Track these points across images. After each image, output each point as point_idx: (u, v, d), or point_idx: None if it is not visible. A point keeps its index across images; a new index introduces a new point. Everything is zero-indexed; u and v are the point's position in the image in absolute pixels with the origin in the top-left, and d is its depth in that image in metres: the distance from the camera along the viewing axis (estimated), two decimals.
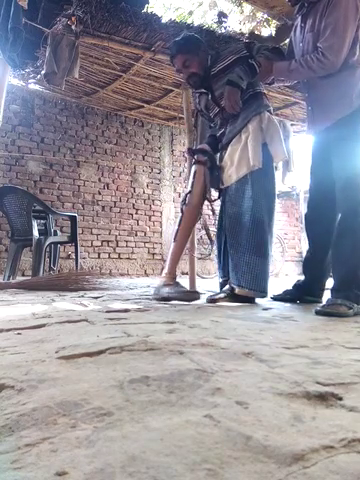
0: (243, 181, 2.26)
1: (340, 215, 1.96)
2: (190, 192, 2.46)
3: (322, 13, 1.96)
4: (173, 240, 2.46)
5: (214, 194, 2.56)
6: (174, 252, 2.44)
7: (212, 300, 2.22)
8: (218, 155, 2.48)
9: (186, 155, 2.62)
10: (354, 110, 1.94)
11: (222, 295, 2.25)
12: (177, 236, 2.43)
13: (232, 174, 2.31)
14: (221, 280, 2.42)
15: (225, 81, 2.26)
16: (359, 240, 1.87)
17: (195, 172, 2.46)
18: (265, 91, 2.45)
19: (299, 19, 2.15)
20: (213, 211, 2.59)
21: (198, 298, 2.23)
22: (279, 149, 2.28)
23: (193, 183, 2.46)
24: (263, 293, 2.21)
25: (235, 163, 2.28)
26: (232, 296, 2.22)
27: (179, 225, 2.46)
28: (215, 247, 2.59)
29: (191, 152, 2.57)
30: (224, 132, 2.42)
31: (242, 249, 2.21)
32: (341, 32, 1.90)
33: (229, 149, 2.35)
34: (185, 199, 2.48)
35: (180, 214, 2.51)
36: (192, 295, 2.24)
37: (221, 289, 2.40)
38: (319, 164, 2.16)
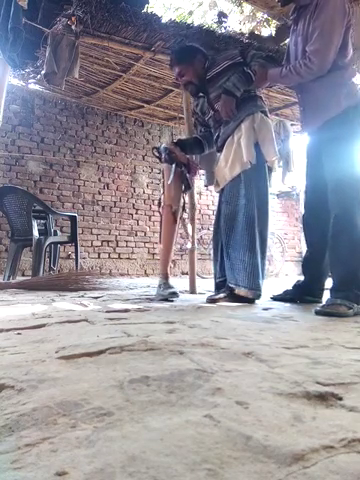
0: (237, 180, 2.29)
1: (333, 216, 1.96)
2: (163, 193, 2.54)
3: (311, 16, 1.98)
4: (159, 242, 2.55)
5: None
6: (162, 254, 2.51)
7: (212, 300, 2.23)
8: (218, 157, 2.51)
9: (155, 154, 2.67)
10: (343, 111, 1.95)
11: (222, 295, 2.25)
12: (160, 238, 2.52)
13: (226, 174, 2.35)
14: (218, 280, 2.43)
15: (220, 85, 2.33)
16: (355, 240, 1.87)
17: (163, 171, 2.53)
18: (261, 94, 2.51)
19: (292, 22, 2.18)
20: (184, 208, 2.62)
21: (174, 299, 2.30)
22: (271, 148, 2.31)
23: (163, 182, 2.54)
24: (258, 291, 2.21)
25: (229, 163, 2.32)
26: (232, 296, 2.23)
27: (160, 227, 2.54)
28: (211, 247, 2.64)
29: (156, 150, 2.61)
30: (219, 135, 2.47)
31: (237, 248, 2.23)
32: (327, 36, 1.90)
33: (224, 150, 2.39)
34: (160, 201, 2.56)
35: (160, 216, 2.59)
36: (169, 296, 2.32)
37: (217, 289, 2.40)
38: (313, 165, 2.17)
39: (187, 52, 2.51)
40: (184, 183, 2.55)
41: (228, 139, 2.37)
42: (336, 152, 1.95)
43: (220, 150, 2.47)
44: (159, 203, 2.62)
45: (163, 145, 2.57)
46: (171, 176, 2.42)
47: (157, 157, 2.61)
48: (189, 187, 2.62)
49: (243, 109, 2.32)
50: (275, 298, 2.35)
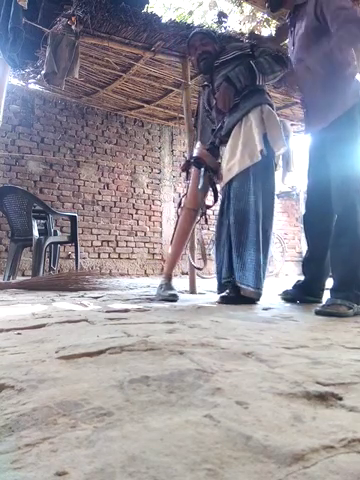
0: (246, 175, 2.21)
1: (337, 215, 1.96)
2: (185, 195, 2.51)
3: (315, 12, 1.92)
4: (170, 243, 2.52)
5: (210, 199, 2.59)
6: (170, 255, 2.50)
7: (221, 301, 2.22)
8: (222, 153, 2.48)
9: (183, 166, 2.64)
10: (348, 110, 1.94)
11: (232, 295, 2.23)
12: (173, 239, 2.49)
13: (233, 167, 2.25)
14: (224, 280, 2.33)
15: (224, 74, 2.30)
16: (357, 240, 1.87)
17: (190, 174, 2.50)
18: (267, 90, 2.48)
19: (289, 24, 2.18)
20: (205, 218, 2.57)
21: (175, 300, 2.28)
22: (279, 140, 2.27)
23: (188, 185, 2.52)
24: (259, 291, 2.18)
25: (237, 156, 2.23)
26: (238, 297, 2.20)
27: (175, 228, 2.52)
28: (211, 247, 2.60)
29: (187, 165, 2.57)
30: (222, 126, 2.40)
31: (250, 246, 2.17)
32: (345, 5, 1.83)
33: (230, 141, 2.31)
34: (180, 202, 2.53)
35: (177, 217, 2.55)
36: (169, 297, 2.30)
37: (221, 289, 2.38)
38: (316, 165, 2.17)
39: (212, 32, 2.62)
40: (214, 190, 2.51)
41: (234, 129, 2.30)
42: (341, 151, 1.94)
43: (223, 141, 2.39)
44: (179, 204, 2.59)
45: (194, 153, 2.54)
46: (201, 181, 2.38)
47: (186, 167, 2.57)
48: (217, 196, 2.55)
49: (250, 100, 2.28)
50: (285, 298, 2.33)
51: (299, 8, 2.06)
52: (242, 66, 2.26)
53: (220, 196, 2.54)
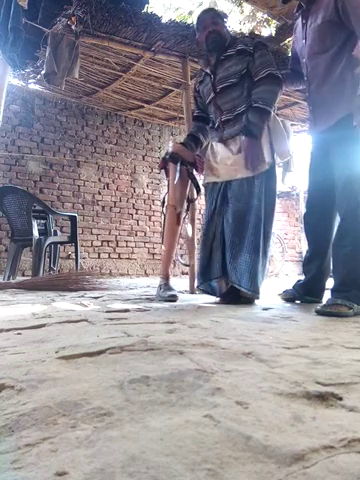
0: (250, 178, 2.21)
1: (340, 216, 1.96)
2: (168, 192, 2.50)
3: (336, 5, 1.86)
4: (162, 243, 2.53)
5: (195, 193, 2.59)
6: (163, 255, 2.50)
7: (221, 301, 2.21)
8: (215, 146, 2.42)
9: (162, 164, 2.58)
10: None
11: (229, 295, 2.23)
12: (163, 238, 2.48)
13: (236, 170, 2.25)
14: (215, 278, 2.28)
15: (227, 68, 2.28)
16: (358, 240, 1.87)
17: (168, 171, 2.47)
18: None
19: (300, 17, 2.14)
20: (187, 210, 2.58)
21: (174, 301, 2.28)
22: (285, 149, 2.27)
23: (168, 182, 2.50)
24: (256, 294, 2.16)
25: (243, 163, 2.21)
26: (238, 296, 2.21)
27: (163, 227, 2.51)
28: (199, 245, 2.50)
29: (164, 163, 2.53)
30: (219, 125, 2.36)
31: (243, 249, 2.16)
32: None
33: (234, 147, 2.28)
34: (164, 201, 2.52)
35: (163, 216, 2.55)
36: (168, 298, 2.30)
37: (212, 289, 2.35)
38: (319, 164, 2.15)
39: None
40: (194, 183, 2.48)
41: (239, 136, 2.26)
42: (346, 151, 1.92)
43: (223, 140, 2.35)
44: (163, 202, 2.58)
45: (169, 149, 2.51)
46: (177, 176, 2.34)
47: (163, 165, 2.54)
48: (199, 189, 2.53)
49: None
50: (285, 298, 2.33)
51: (313, 0, 2.01)
52: (256, 113, 2.18)
53: (202, 189, 2.53)
